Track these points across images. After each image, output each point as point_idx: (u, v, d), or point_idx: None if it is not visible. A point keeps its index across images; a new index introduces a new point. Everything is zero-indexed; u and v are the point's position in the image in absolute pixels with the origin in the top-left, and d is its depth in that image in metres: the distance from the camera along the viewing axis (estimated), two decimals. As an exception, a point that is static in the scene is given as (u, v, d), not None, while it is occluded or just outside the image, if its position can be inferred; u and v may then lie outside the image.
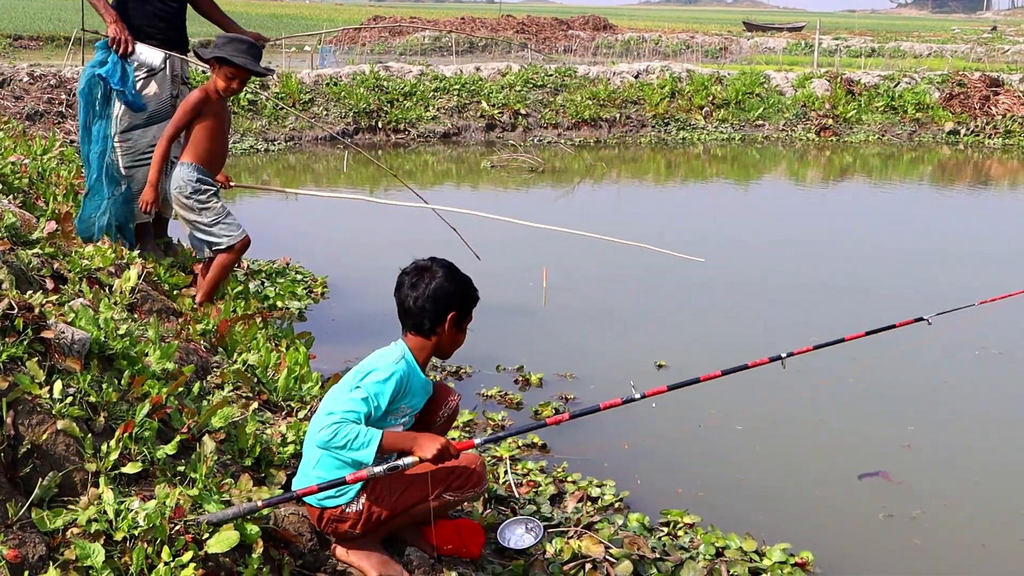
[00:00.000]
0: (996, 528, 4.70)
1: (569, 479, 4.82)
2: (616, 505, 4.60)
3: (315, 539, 3.41)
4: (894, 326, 4.43)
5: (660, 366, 6.49)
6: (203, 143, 5.48)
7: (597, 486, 4.74)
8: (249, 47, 5.44)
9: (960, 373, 6.67)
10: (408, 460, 3.16)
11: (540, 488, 4.62)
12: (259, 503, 3.03)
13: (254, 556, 2.92)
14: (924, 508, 4.81)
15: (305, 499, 3.34)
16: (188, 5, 6.56)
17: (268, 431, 3.87)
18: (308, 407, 4.36)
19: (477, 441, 3.32)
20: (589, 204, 13.52)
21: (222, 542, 2.83)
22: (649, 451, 5.38)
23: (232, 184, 6.10)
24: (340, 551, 3.40)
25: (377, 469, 3.13)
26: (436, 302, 3.40)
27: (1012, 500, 4.95)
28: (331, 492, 3.32)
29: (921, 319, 4.52)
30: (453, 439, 4.58)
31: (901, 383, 6.41)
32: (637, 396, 3.50)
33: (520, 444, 5.21)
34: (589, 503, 4.58)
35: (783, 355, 3.85)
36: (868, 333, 4.38)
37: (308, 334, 5.70)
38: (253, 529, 2.97)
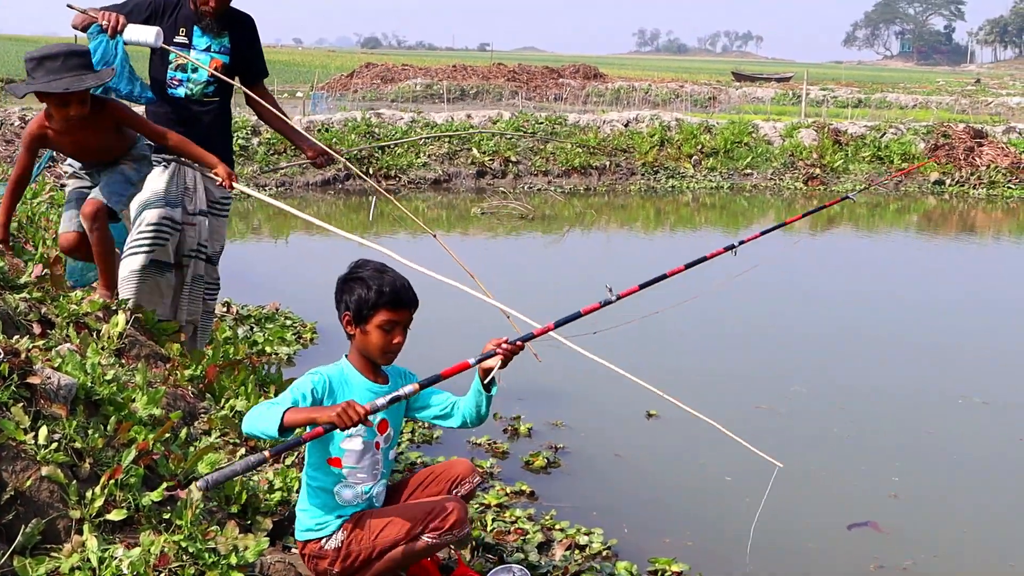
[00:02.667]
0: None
1: (557, 527, 4.79)
2: (604, 553, 4.58)
3: (301, 587, 3.38)
4: (705, 258, 4.48)
5: (650, 415, 6.48)
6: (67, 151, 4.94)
7: (585, 534, 4.71)
8: (64, 58, 4.43)
9: (943, 422, 6.67)
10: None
11: (528, 536, 4.60)
12: (266, 454, 3.15)
13: (239, 604, 2.90)
14: (915, 559, 4.79)
15: (297, 538, 3.42)
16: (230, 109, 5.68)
17: (255, 478, 3.85)
18: (296, 454, 4.33)
19: (379, 402, 3.21)
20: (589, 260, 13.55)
21: (207, 590, 2.80)
22: (637, 500, 5.36)
23: (236, 185, 5.18)
24: (327, 600, 3.38)
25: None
26: (337, 304, 3.43)
27: (1001, 551, 4.93)
28: (311, 525, 3.36)
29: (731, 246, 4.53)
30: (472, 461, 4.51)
31: (884, 432, 6.42)
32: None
33: (508, 491, 5.19)
34: (577, 551, 4.55)
35: (612, 296, 3.72)
36: (687, 266, 4.37)
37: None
38: (239, 577, 2.95)
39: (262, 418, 3.13)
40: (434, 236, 5.75)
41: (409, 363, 3.59)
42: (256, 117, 5.94)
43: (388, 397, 3.23)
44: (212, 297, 5.75)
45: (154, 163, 5.25)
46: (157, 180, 5.27)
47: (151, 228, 5.22)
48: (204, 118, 5.46)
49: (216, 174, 5.07)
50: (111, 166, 4.91)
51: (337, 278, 3.44)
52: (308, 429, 3.17)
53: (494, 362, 3.37)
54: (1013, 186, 19.52)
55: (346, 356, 3.46)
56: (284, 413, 3.09)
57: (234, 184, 5.12)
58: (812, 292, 10.67)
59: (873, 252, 14.01)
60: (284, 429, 3.09)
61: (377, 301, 3.31)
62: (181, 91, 5.40)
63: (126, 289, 5.19)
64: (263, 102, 5.59)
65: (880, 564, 4.73)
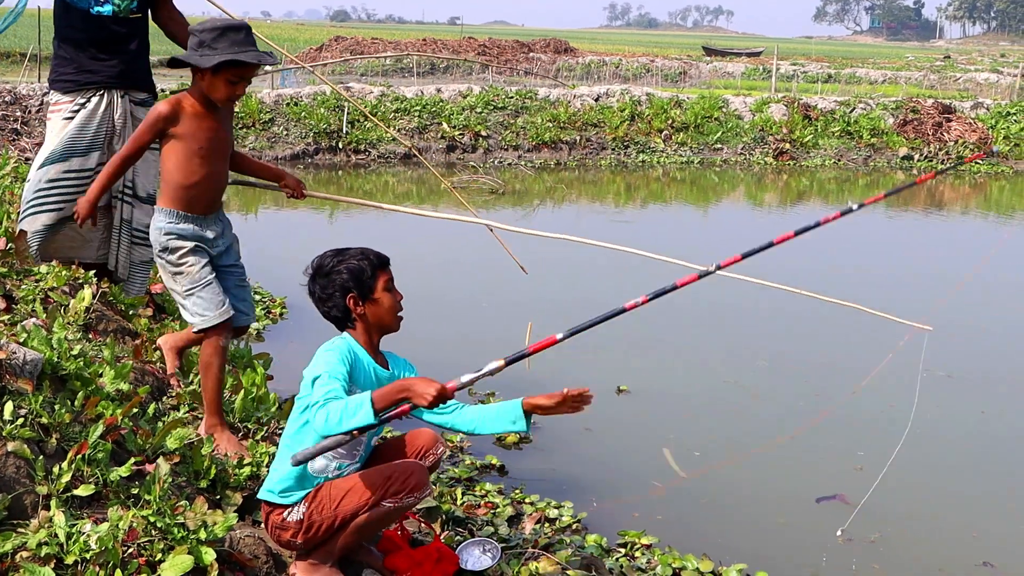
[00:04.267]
0: (953, 551, 4.75)
1: (527, 500, 4.81)
2: (574, 526, 4.61)
3: (271, 561, 3.37)
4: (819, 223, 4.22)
5: (621, 390, 6.51)
6: (176, 175, 3.97)
7: (555, 508, 4.74)
8: (247, 32, 3.95)
9: (908, 396, 6.72)
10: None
11: (498, 509, 4.61)
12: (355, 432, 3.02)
13: (208, 579, 2.89)
14: (881, 531, 4.85)
15: (260, 496, 3.39)
16: (150, 22, 5.26)
17: (226, 452, 3.84)
18: (265, 428, 4.33)
19: (464, 379, 3.08)
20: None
21: (176, 566, 2.79)
22: (607, 474, 5.39)
23: (307, 193, 4.67)
24: (298, 574, 3.37)
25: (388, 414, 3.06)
26: (328, 301, 3.39)
27: (966, 522, 5.00)
28: (274, 488, 3.33)
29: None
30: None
31: (849, 406, 6.47)
32: (560, 337, 3.22)
33: (478, 465, 5.20)
34: (547, 524, 4.57)
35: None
36: (797, 232, 4.03)
37: (266, 355, 5.65)
38: (208, 553, 2.94)
39: (347, 413, 2.98)
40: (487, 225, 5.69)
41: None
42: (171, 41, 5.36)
43: (473, 375, 3.12)
44: (144, 243, 5.19)
45: (67, 115, 5.06)
46: (59, 133, 5.06)
47: (50, 185, 5.03)
48: (130, 39, 5.14)
49: (286, 185, 4.55)
50: (225, 232, 4.26)
51: (311, 281, 3.41)
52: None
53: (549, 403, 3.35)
54: (980, 161, 19.67)
55: (348, 336, 3.42)
56: (373, 401, 2.98)
57: (305, 192, 4.62)
58: (776, 269, 10.70)
59: (838, 226, 14.07)
60: (378, 414, 3.01)
61: (372, 266, 3.38)
62: (108, 8, 5.00)
63: (32, 247, 5.02)
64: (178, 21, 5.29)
65: (848, 537, 4.79)
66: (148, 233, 4.21)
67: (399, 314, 3.46)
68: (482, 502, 4.69)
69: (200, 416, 4.12)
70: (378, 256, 3.43)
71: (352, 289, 3.35)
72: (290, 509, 3.33)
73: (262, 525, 3.49)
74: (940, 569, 4.59)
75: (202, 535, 2.98)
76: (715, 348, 7.57)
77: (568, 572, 3.90)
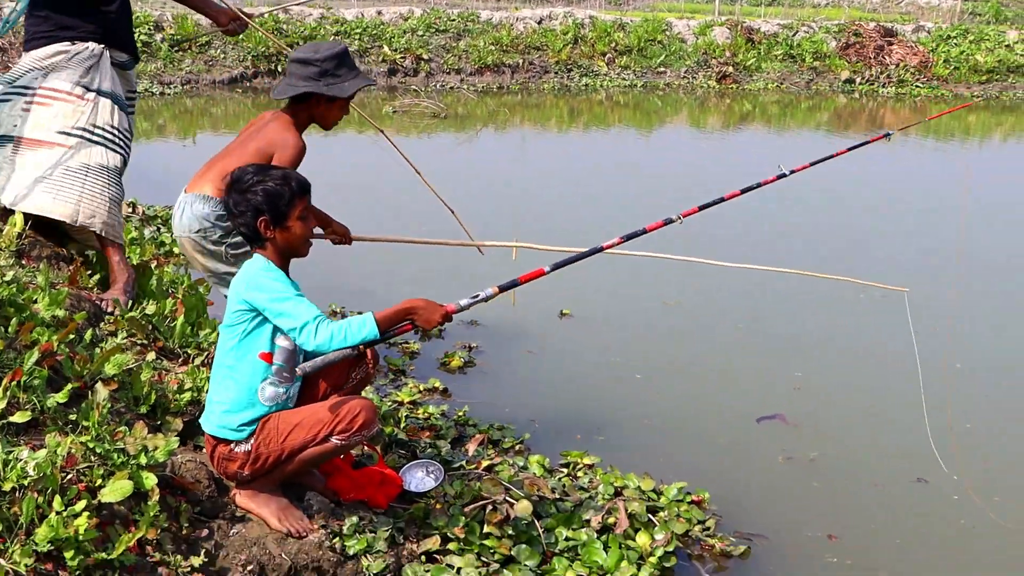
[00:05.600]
0: (889, 469, 4.86)
1: (470, 423, 4.84)
2: (517, 448, 4.65)
3: (213, 486, 3.37)
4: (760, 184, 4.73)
5: (563, 314, 6.54)
6: None
7: (498, 429, 4.77)
8: (349, 53, 4.22)
9: (843, 315, 6.83)
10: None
11: (441, 432, 4.64)
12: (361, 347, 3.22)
13: (150, 504, 2.88)
14: (820, 450, 4.95)
15: (205, 430, 3.33)
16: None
17: (166, 379, 3.81)
18: (205, 354, 4.29)
19: (462, 303, 3.42)
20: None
21: (116, 491, 2.78)
22: (549, 397, 5.43)
23: (355, 238, 4.67)
24: (239, 498, 3.37)
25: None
26: (239, 218, 3.29)
27: (901, 440, 5.11)
28: (230, 424, 3.26)
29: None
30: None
31: (786, 327, 6.57)
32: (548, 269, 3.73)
33: (421, 388, 5.22)
34: (490, 446, 4.61)
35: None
36: (743, 191, 4.70)
37: (204, 280, 5.60)
38: (149, 477, 2.93)
39: (352, 333, 3.14)
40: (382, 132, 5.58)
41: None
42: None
43: (470, 300, 3.41)
44: (118, 185, 4.91)
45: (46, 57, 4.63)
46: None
47: None
48: (112, 2, 4.75)
49: (333, 232, 4.58)
50: None
51: (226, 191, 3.30)
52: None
53: None
54: (920, 85, 19.83)
55: (261, 257, 3.34)
56: (377, 321, 3.17)
57: (353, 238, 4.65)
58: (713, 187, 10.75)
59: (781, 148, 14.16)
60: (382, 332, 3.20)
61: (291, 193, 3.28)
62: None
63: None
64: None
65: (788, 456, 4.89)
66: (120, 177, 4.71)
67: (310, 242, 3.38)
68: (425, 424, 4.71)
69: (138, 342, 4.08)
70: (299, 183, 3.31)
71: (265, 212, 3.24)
72: (238, 441, 3.31)
73: (205, 452, 3.48)
74: (876, 485, 4.70)
75: (143, 460, 2.96)
76: (656, 272, 7.61)
77: (511, 492, 3.95)
